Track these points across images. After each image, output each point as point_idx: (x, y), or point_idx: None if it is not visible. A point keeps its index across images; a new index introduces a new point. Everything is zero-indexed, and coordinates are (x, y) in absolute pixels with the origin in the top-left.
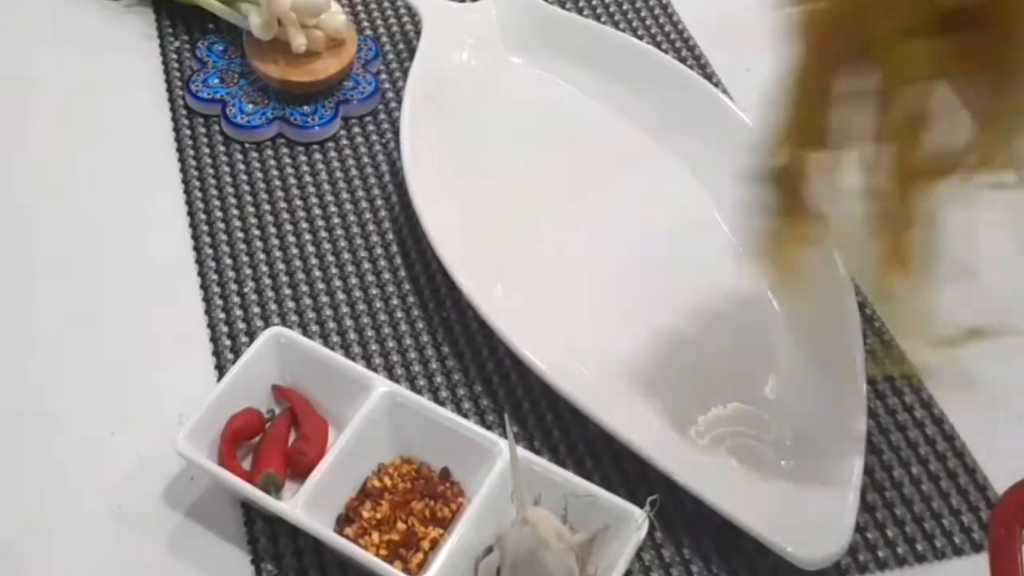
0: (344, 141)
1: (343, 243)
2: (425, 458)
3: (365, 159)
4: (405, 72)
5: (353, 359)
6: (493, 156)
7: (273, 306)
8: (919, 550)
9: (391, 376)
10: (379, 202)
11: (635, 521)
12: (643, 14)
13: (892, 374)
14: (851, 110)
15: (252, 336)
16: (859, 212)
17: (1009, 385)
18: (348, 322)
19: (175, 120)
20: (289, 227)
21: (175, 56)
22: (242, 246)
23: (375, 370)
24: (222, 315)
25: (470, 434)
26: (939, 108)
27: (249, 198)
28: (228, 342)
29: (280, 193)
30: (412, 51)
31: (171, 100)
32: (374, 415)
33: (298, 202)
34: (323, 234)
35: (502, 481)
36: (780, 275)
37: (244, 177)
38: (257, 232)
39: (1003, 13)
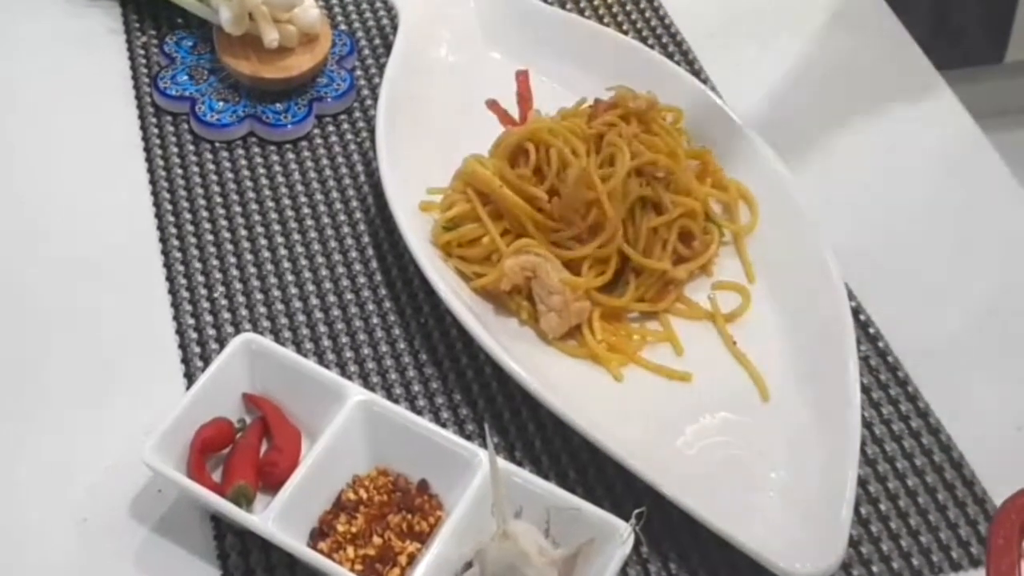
0: (318, 140)
1: (316, 246)
2: (402, 469)
3: (340, 159)
4: (381, 68)
5: (327, 366)
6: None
7: (244, 312)
8: (915, 565)
9: (366, 384)
10: (354, 203)
11: (620, 535)
12: (628, 8)
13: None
14: None
15: (222, 343)
16: None
17: (1008, 394)
18: (322, 328)
19: (142, 118)
20: (261, 229)
21: (142, 52)
22: (212, 249)
23: (350, 378)
24: (191, 321)
25: (449, 444)
26: None
27: (219, 199)
28: (197, 349)
29: (251, 194)
30: (388, 47)
31: (138, 97)
32: (349, 425)
33: (270, 203)
34: (296, 237)
35: (482, 493)
36: None
37: (214, 177)
38: (228, 235)
39: None
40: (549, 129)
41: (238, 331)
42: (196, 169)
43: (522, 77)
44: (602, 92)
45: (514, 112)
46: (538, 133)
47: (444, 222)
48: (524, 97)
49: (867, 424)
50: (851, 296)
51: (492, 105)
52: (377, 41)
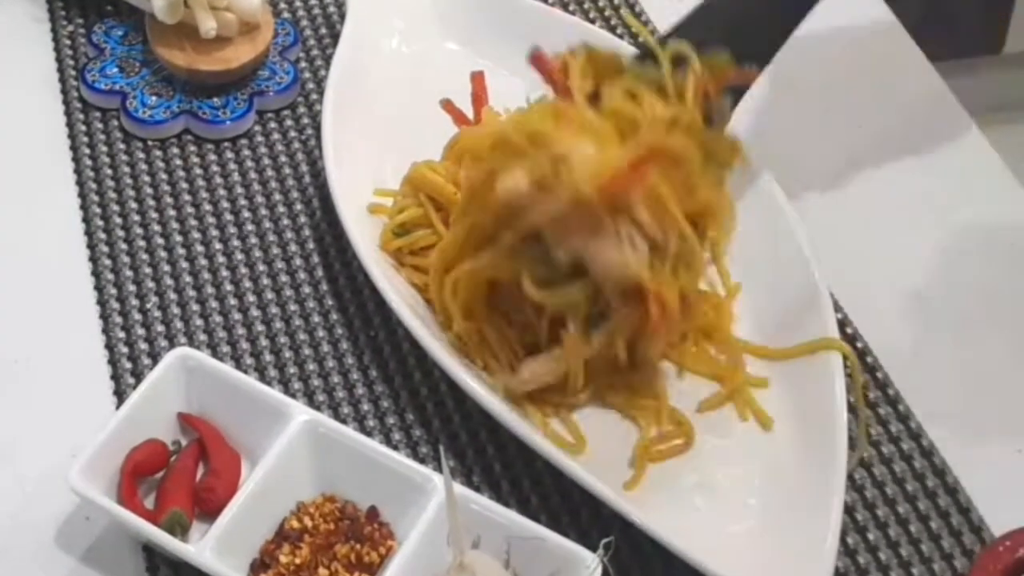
0: (259, 138)
1: (258, 253)
2: (350, 496)
3: (283, 158)
4: (327, 60)
5: (269, 384)
6: (426, 154)
7: (179, 324)
8: None
9: (312, 403)
10: (298, 206)
11: (587, 567)
12: None
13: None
14: None
15: (155, 358)
16: None
17: (1008, 413)
18: (263, 342)
19: (68, 114)
20: (197, 235)
21: (68, 42)
22: (144, 256)
23: (294, 396)
24: (122, 334)
25: (401, 468)
26: None
27: (152, 202)
28: (128, 365)
29: (187, 196)
30: (335, 37)
31: (64, 92)
32: (293, 447)
33: (207, 207)
34: (235, 243)
35: (437, 522)
36: None
37: (147, 179)
38: (161, 241)
39: None
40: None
41: (172, 345)
42: (127, 169)
43: (477, 78)
44: None
45: (470, 113)
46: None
47: (393, 227)
48: (479, 100)
49: (853, 447)
50: (836, 307)
51: (447, 105)
52: (323, 30)
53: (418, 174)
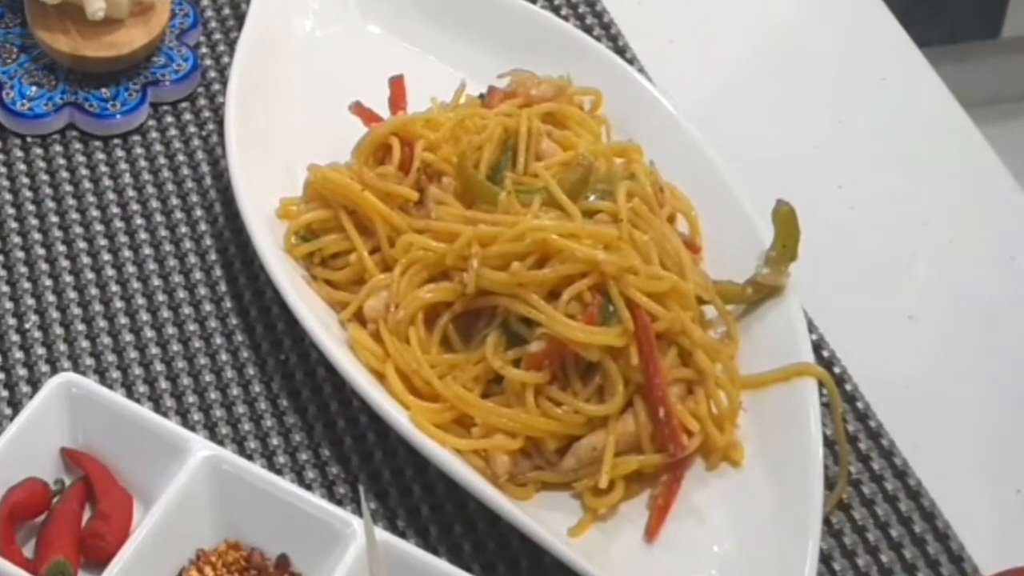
0: (154, 134)
1: (152, 265)
2: (257, 542)
3: (180, 156)
4: (231, 45)
5: (165, 415)
6: (343, 152)
7: (62, 346)
8: None
9: (213, 436)
10: (198, 212)
11: None
12: None
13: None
14: None
15: (35, 385)
16: None
17: (1006, 448)
18: (158, 367)
19: None
20: (83, 244)
21: None
22: (23, 269)
23: (193, 429)
24: None
25: (315, 511)
26: None
27: (32, 207)
28: (4, 393)
29: (71, 201)
30: (240, 18)
31: None
32: (192, 487)
33: (95, 212)
34: (127, 253)
35: (356, 572)
36: None
37: (25, 180)
38: (42, 251)
39: None
40: (426, 120)
41: (55, 371)
42: (3, 170)
43: (396, 83)
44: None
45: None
46: (408, 126)
47: (296, 229)
48: (398, 105)
49: (831, 486)
50: (811, 328)
51: (356, 108)
52: (226, 11)
53: (318, 177)
